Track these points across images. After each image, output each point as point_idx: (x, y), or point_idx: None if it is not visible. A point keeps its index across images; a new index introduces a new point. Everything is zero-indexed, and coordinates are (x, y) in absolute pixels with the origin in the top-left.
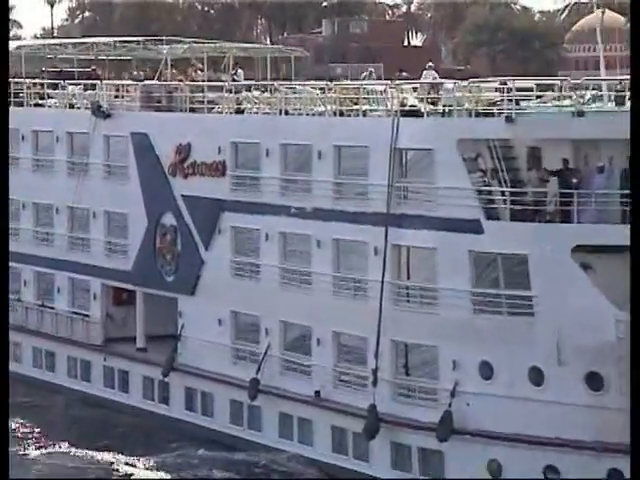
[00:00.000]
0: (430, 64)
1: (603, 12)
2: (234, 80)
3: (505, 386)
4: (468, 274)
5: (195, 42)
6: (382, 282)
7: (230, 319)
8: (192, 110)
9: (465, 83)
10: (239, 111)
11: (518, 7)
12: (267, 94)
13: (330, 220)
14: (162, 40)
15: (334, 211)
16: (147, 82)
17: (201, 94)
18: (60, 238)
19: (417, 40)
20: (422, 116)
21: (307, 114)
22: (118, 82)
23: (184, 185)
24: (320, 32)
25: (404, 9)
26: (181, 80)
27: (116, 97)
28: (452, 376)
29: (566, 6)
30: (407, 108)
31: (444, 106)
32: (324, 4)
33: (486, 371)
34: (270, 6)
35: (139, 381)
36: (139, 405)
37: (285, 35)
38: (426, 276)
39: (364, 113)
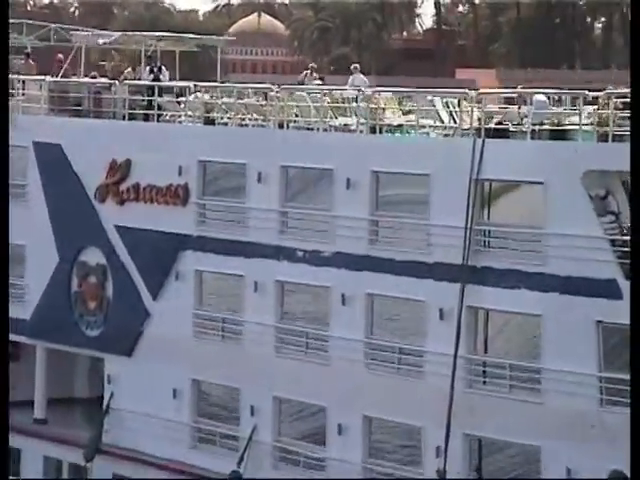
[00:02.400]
0: (355, 65)
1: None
2: (156, 80)
3: None
4: (594, 353)
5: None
6: (455, 356)
7: (190, 390)
8: (131, 117)
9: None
10: (208, 121)
11: (174, 6)
12: (251, 99)
13: (362, 269)
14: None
15: (370, 258)
16: (59, 79)
17: (147, 98)
18: None
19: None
20: (508, 137)
21: (323, 129)
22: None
23: (119, 214)
24: None
25: (47, 0)
26: (94, 77)
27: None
28: None
29: (216, 7)
30: (493, 126)
31: (557, 125)
32: None
33: None
34: None
35: (38, 465)
36: None
37: None
38: (522, 352)
39: (400, 129)
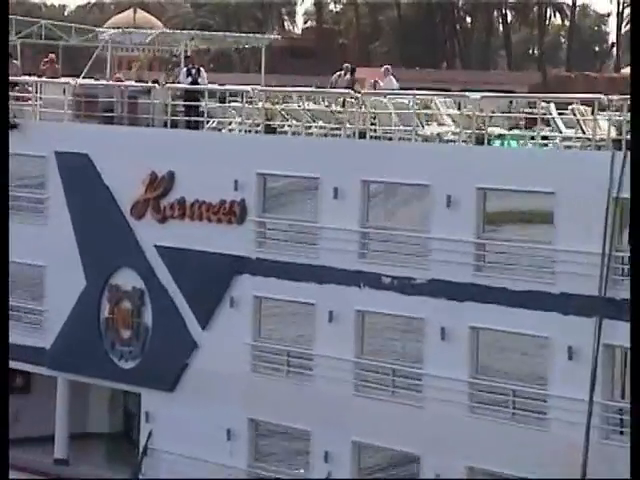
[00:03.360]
0: (388, 67)
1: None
2: (195, 83)
3: None
4: None
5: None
6: (590, 402)
7: (248, 431)
8: (173, 125)
9: None
10: (269, 129)
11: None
12: (321, 105)
13: (465, 299)
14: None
15: (476, 287)
16: (86, 82)
17: (194, 103)
18: None
19: None
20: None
21: (412, 139)
22: (27, 79)
23: (160, 232)
24: None
25: None
26: (120, 80)
27: (20, 100)
28: None
29: (87, 3)
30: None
31: None
32: None
33: None
34: None
35: None
36: None
37: None
38: None
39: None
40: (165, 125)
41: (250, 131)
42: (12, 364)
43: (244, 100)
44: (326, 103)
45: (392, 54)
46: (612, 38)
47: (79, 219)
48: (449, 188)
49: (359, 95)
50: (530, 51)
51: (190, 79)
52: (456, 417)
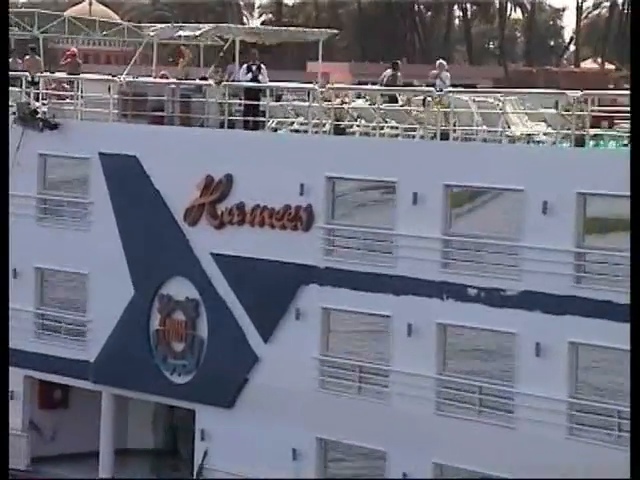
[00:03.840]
0: (442, 61)
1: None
2: (255, 80)
3: None
4: None
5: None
6: None
7: (316, 451)
8: (230, 125)
9: None
10: (338, 130)
11: None
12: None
13: (564, 313)
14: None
15: (576, 299)
16: (134, 79)
17: (254, 101)
18: None
19: None
20: None
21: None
22: (65, 76)
23: (217, 239)
24: None
25: None
26: (165, 77)
27: (58, 98)
28: None
29: None
30: None
31: None
32: None
33: None
34: None
35: None
36: None
37: None
38: None
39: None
40: (221, 126)
41: (316, 132)
42: (52, 377)
43: (311, 99)
44: (400, 103)
45: (352, 49)
46: (568, 32)
47: (126, 225)
48: (546, 193)
49: (437, 94)
50: (487, 45)
51: (250, 75)
52: (552, 440)
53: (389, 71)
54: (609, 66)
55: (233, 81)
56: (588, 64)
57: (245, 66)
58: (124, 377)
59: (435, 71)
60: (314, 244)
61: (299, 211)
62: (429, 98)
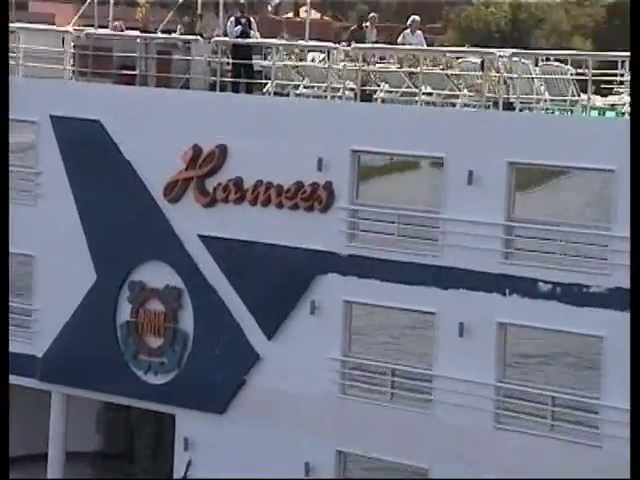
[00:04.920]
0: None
1: None
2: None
3: None
4: None
5: None
6: None
7: (335, 466)
8: (222, 88)
9: None
10: (365, 96)
11: None
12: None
13: None
14: None
15: None
16: (97, 32)
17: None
18: None
19: None
20: None
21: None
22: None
23: (207, 219)
24: None
25: None
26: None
27: None
28: None
29: None
30: None
31: None
32: None
33: None
34: None
35: None
36: None
37: None
38: None
39: None
40: (211, 88)
41: (333, 97)
42: None
43: (330, 59)
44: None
45: None
46: None
47: (87, 200)
48: None
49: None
50: None
51: (240, 29)
52: None
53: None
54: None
55: (225, 36)
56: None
57: (233, 19)
58: (81, 375)
59: None
60: (335, 227)
61: (316, 189)
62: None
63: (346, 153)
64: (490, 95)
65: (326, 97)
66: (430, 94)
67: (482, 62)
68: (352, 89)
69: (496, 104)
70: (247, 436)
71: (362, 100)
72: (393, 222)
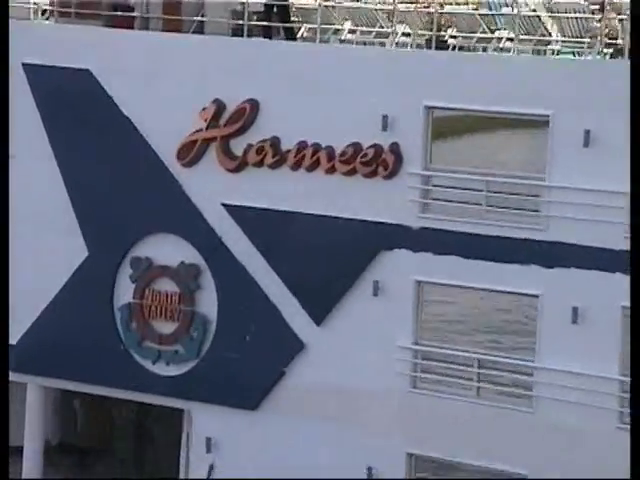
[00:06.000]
0: None
1: None
2: None
3: None
4: None
5: None
6: None
7: (406, 470)
8: (249, 33)
9: None
10: (440, 43)
11: None
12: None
13: None
14: None
15: None
16: None
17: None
18: None
19: None
20: None
21: None
22: None
23: (234, 185)
24: None
25: None
26: None
27: None
28: None
29: None
30: None
31: None
32: None
33: None
34: None
35: None
36: None
37: None
38: None
39: None
40: (237, 33)
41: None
42: None
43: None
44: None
45: None
46: None
47: (73, 163)
48: None
49: None
50: None
51: None
52: None
53: None
54: None
55: None
56: None
57: None
58: (66, 365)
59: None
60: (401, 196)
61: (380, 152)
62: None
63: (418, 110)
64: (611, 41)
65: (374, 44)
66: (510, 39)
67: (602, 2)
68: (407, 34)
69: (619, 51)
70: (287, 435)
71: (437, 48)
72: (481, 190)
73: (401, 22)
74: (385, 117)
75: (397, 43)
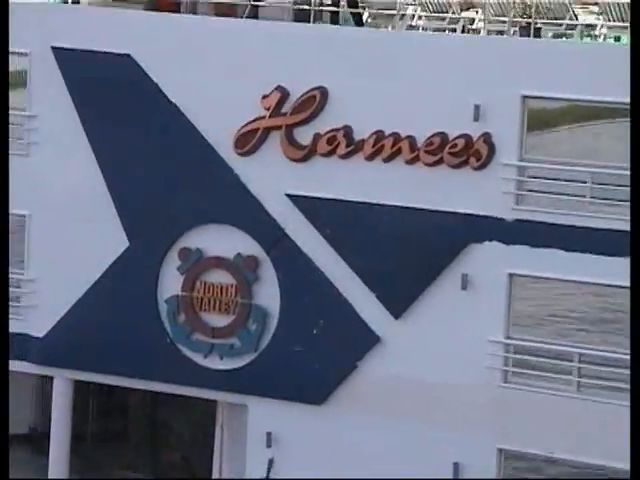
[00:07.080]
0: None
1: None
2: None
3: None
4: None
5: None
6: None
7: (496, 467)
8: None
9: None
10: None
11: None
12: None
13: None
14: None
15: None
16: None
17: None
18: None
19: None
20: None
21: None
22: None
23: (299, 175)
24: None
25: None
26: None
27: None
28: None
29: None
30: None
31: None
32: None
33: None
34: None
35: None
36: None
37: None
38: None
39: None
40: (300, 18)
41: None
42: None
43: None
44: None
45: None
46: None
47: (111, 151)
48: None
49: None
50: None
51: None
52: None
53: None
54: None
55: None
56: None
57: None
58: (100, 359)
59: None
60: (493, 187)
61: (470, 142)
62: None
63: (513, 99)
64: None
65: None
66: (591, 26)
67: None
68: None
69: None
70: (358, 431)
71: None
72: (585, 182)
73: (468, 8)
74: (477, 107)
75: (467, 30)
